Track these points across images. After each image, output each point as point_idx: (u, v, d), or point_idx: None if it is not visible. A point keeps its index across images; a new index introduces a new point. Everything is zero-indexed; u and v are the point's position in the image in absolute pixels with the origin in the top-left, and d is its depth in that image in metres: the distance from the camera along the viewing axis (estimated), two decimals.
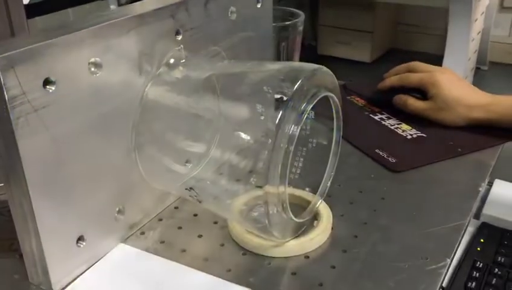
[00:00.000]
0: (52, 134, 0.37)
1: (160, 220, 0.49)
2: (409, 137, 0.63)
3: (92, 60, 0.39)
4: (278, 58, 0.74)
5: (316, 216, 0.48)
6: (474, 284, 0.55)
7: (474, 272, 0.57)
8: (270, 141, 0.41)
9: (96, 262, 0.43)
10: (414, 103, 0.65)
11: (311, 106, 0.41)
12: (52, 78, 0.36)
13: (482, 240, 0.63)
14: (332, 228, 0.47)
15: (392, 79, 0.68)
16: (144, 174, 0.46)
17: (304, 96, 0.41)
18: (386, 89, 0.69)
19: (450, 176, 0.56)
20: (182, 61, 0.45)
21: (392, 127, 0.65)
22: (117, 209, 0.44)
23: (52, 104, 0.36)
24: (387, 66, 0.73)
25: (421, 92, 0.66)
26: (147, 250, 0.45)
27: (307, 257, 0.44)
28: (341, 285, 0.41)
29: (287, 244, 0.44)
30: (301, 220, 0.45)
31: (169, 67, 0.45)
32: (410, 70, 0.68)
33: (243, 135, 0.48)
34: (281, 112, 0.40)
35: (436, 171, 0.57)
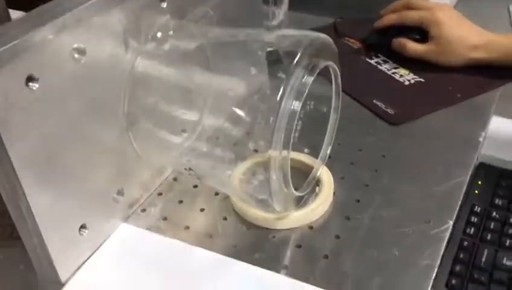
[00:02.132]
0: (42, 131, 0.35)
1: (160, 194, 0.48)
2: (407, 83, 0.61)
3: (75, 46, 0.36)
4: None
5: (317, 182, 0.47)
6: (472, 230, 0.56)
7: (473, 217, 0.58)
8: (271, 118, 0.39)
9: (100, 246, 0.43)
10: (414, 47, 0.63)
11: (312, 79, 0.39)
12: (35, 75, 0.33)
13: (479, 182, 0.63)
14: (333, 193, 0.47)
15: (389, 17, 0.65)
16: (140, 151, 0.45)
17: (304, 69, 0.39)
18: (383, 28, 0.66)
19: (450, 126, 0.55)
20: (169, 33, 0.42)
21: (389, 72, 0.63)
22: (116, 190, 0.44)
23: (37, 101, 0.34)
24: None
25: (420, 31, 0.63)
26: (149, 229, 0.44)
27: (310, 227, 0.44)
28: (346, 256, 0.41)
29: (291, 216, 0.44)
30: (302, 194, 0.44)
31: (157, 41, 0.42)
32: (407, 7, 0.65)
33: (236, 94, 0.47)
34: (282, 88, 0.39)
35: (435, 121, 0.56)
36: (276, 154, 0.39)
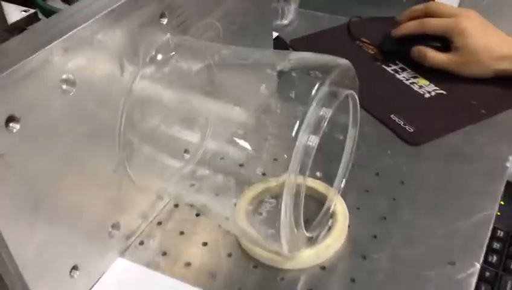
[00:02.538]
0: (25, 174, 0.31)
1: (160, 223, 0.44)
2: (427, 96, 0.57)
3: (63, 77, 0.32)
4: None
5: (330, 214, 0.43)
6: (495, 258, 0.53)
7: (495, 243, 0.54)
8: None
9: (94, 285, 0.39)
10: (436, 56, 0.58)
11: (331, 111, 0.35)
12: (16, 115, 0.29)
13: (502, 203, 0.59)
14: (348, 226, 0.43)
15: (408, 26, 0.60)
16: (137, 180, 0.41)
17: (323, 99, 0.35)
18: (402, 36, 0.61)
19: (475, 148, 0.51)
20: (171, 54, 0.38)
21: (408, 82, 0.59)
22: (111, 224, 0.40)
23: (19, 143, 0.30)
24: None
25: (442, 38, 0.58)
26: (148, 265, 0.41)
27: (323, 267, 0.40)
28: None
29: (301, 255, 0.40)
30: (314, 234, 0.40)
31: (157, 63, 0.38)
32: (428, 13, 0.60)
33: (241, 116, 0.43)
34: (298, 122, 0.35)
35: (458, 141, 0.51)
36: (288, 196, 0.35)
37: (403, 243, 0.42)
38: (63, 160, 0.33)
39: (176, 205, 0.46)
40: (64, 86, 0.32)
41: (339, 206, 0.44)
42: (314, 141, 0.35)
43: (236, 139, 0.42)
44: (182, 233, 0.43)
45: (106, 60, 0.35)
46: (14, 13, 0.73)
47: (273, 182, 0.45)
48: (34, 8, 0.72)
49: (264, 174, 0.43)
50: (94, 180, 0.37)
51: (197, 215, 0.45)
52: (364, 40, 0.66)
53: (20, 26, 0.70)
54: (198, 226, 0.44)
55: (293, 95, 0.38)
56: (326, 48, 0.65)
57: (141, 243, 0.43)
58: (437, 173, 0.48)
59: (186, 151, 0.46)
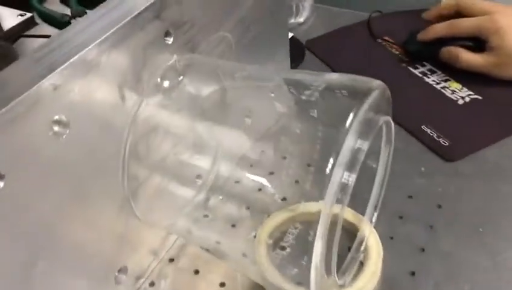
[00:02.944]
0: (12, 235, 0.27)
1: (171, 260, 0.40)
2: (461, 102, 0.51)
3: (55, 118, 0.27)
4: None
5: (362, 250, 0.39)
6: None
7: None
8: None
9: None
10: (469, 58, 0.52)
11: (368, 143, 0.30)
12: (1, 171, 0.25)
13: None
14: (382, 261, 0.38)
15: (437, 28, 0.54)
16: (144, 218, 0.37)
17: (358, 131, 0.30)
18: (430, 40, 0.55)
19: None
20: (180, 78, 0.33)
21: (439, 87, 0.53)
22: (117, 269, 0.36)
23: (4, 202, 0.25)
24: None
25: (474, 37, 0.53)
26: None
27: None
28: None
29: None
30: (345, 280, 0.36)
31: (162, 90, 0.33)
32: (459, 10, 0.54)
33: (256, 131, 0.38)
34: (332, 158, 0.30)
35: (499, 155, 0.46)
36: (319, 243, 0.30)
37: (444, 281, 0.37)
38: (58, 209, 0.29)
39: None
40: (55, 128, 0.27)
41: (370, 238, 0.39)
42: (351, 179, 0.30)
43: (251, 162, 0.38)
44: (196, 272, 0.39)
45: (105, 91, 0.30)
46: (10, 18, 0.68)
47: (296, 210, 0.41)
48: (30, 12, 0.68)
49: (284, 199, 0.39)
50: (95, 226, 0.32)
51: None
52: (387, 38, 0.61)
53: (17, 33, 0.65)
54: (214, 263, 0.40)
55: (314, 114, 0.34)
56: (346, 48, 0.60)
57: (152, 284, 0.39)
58: (478, 193, 0.43)
59: (198, 176, 0.41)
